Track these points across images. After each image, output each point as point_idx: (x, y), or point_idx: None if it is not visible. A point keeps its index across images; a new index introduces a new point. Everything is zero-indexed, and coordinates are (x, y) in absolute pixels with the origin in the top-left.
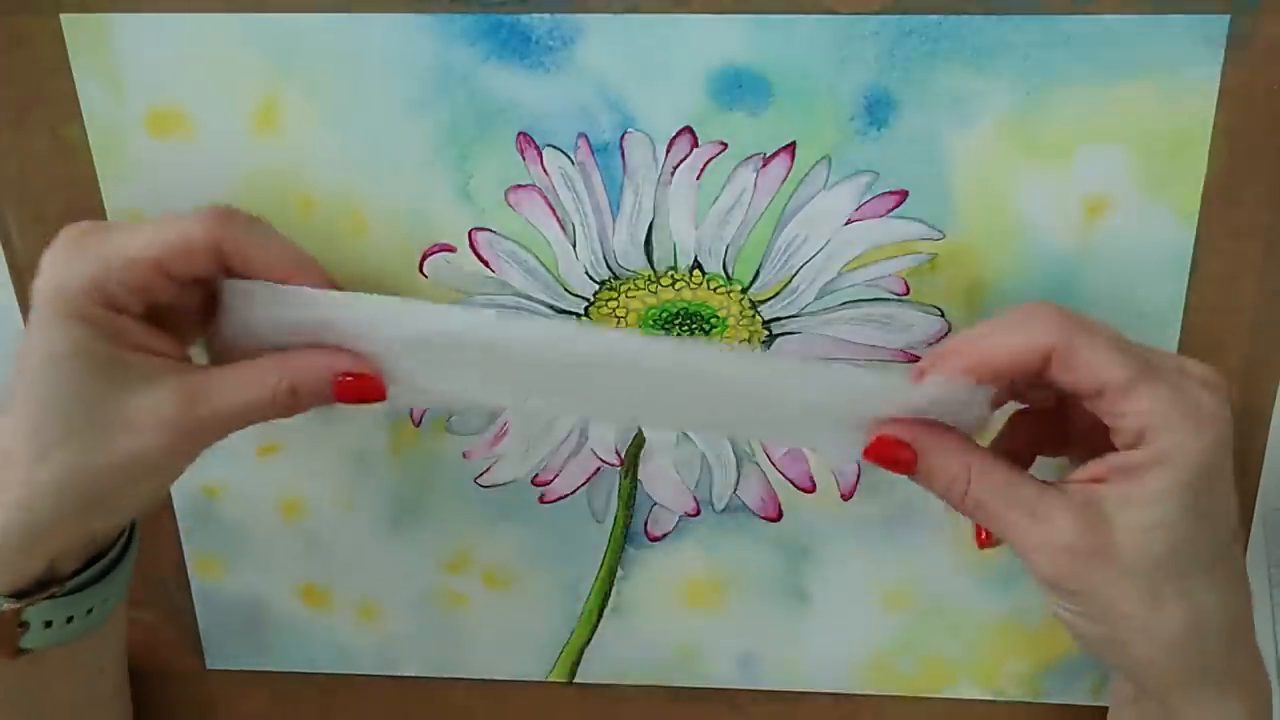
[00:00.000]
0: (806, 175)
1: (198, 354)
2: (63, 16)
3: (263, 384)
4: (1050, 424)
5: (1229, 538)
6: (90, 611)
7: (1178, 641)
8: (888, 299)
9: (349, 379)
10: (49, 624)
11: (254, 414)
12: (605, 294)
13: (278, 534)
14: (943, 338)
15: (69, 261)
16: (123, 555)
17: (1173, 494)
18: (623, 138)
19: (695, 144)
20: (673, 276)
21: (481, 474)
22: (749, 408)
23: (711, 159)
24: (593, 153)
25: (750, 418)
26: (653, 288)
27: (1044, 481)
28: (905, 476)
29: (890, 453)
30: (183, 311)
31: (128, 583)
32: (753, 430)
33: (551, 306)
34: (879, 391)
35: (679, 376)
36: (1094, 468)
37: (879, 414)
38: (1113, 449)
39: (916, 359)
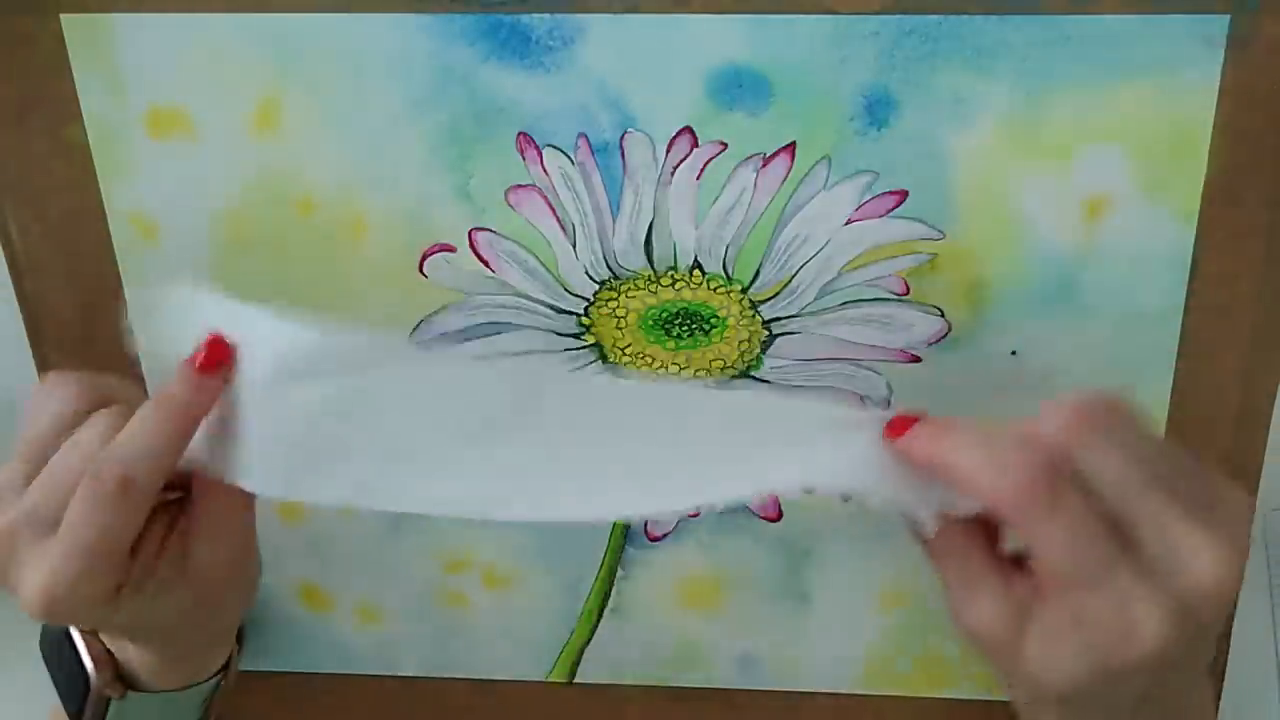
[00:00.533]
0: (806, 175)
1: None
2: (63, 16)
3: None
4: None
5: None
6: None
7: None
8: (888, 299)
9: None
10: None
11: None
12: (605, 294)
13: (278, 535)
14: (943, 338)
15: None
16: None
17: (1076, 679)
18: (623, 138)
19: (695, 144)
20: (673, 276)
21: None
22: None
23: (711, 159)
24: (593, 153)
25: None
26: (653, 288)
27: (999, 561)
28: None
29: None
30: None
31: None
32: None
33: (551, 306)
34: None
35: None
36: (1043, 585)
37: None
38: None
39: (918, 359)
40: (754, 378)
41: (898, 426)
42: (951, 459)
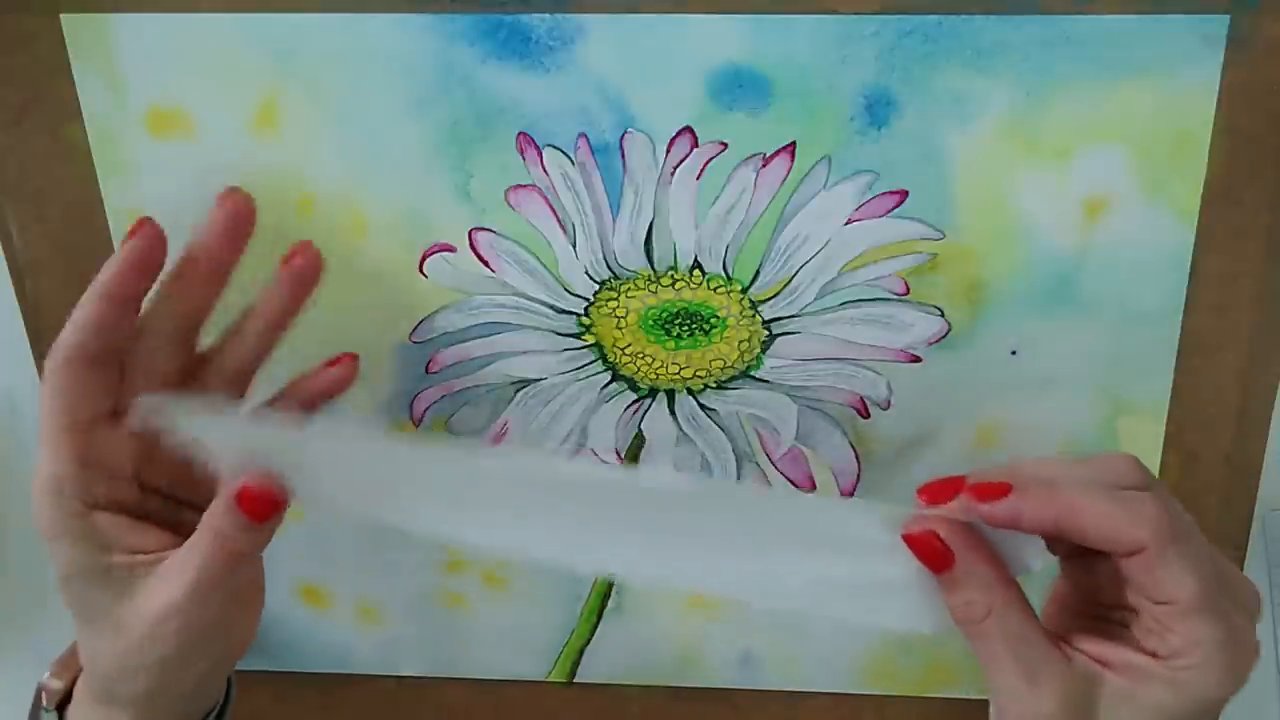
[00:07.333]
0: (806, 175)
1: None
2: (63, 16)
3: (195, 548)
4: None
5: None
6: None
7: None
8: (888, 299)
9: (247, 491)
10: None
11: (209, 580)
12: (605, 294)
13: (278, 534)
14: (943, 338)
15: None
16: None
17: (1167, 715)
18: (623, 138)
19: (695, 144)
20: (673, 276)
21: None
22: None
23: (711, 159)
24: (593, 153)
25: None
26: (653, 288)
27: (1052, 636)
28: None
29: (931, 549)
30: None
31: None
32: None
33: (551, 306)
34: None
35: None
36: (1107, 650)
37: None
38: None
39: (918, 359)
40: (754, 378)
41: (982, 492)
42: (1081, 516)
